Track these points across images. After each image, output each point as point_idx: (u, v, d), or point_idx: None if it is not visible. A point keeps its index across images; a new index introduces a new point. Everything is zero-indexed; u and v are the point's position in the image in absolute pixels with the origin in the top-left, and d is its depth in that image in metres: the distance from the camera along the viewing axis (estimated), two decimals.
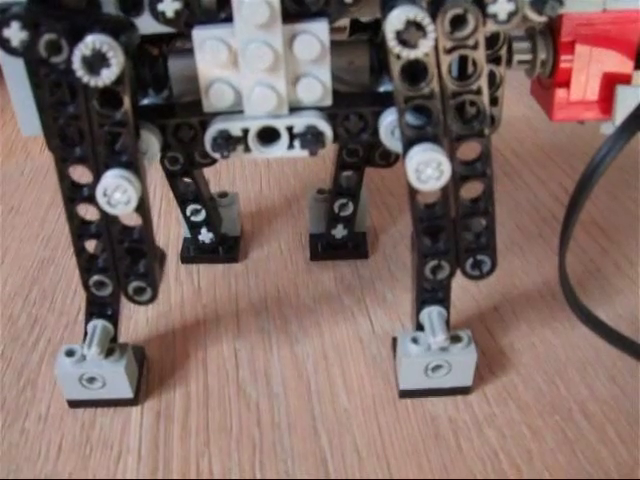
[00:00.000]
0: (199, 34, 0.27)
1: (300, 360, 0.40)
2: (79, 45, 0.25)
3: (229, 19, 0.27)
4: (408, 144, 0.29)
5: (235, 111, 0.29)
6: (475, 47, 0.26)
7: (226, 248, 0.47)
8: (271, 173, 0.57)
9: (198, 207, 0.45)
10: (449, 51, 0.26)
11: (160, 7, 0.27)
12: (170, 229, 0.51)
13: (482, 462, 0.34)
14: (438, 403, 0.36)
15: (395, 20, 0.24)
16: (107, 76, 0.25)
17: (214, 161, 0.41)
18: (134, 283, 0.33)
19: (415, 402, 0.37)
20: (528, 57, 0.31)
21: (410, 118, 0.28)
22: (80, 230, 0.32)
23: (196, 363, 0.40)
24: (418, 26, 0.24)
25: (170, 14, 0.27)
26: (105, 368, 0.36)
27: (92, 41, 0.25)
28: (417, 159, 0.28)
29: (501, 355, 0.39)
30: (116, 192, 0.28)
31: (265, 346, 0.41)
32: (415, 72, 0.27)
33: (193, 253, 0.47)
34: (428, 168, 0.29)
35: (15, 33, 0.26)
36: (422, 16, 0.24)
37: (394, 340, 0.39)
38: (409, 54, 0.25)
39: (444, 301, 0.37)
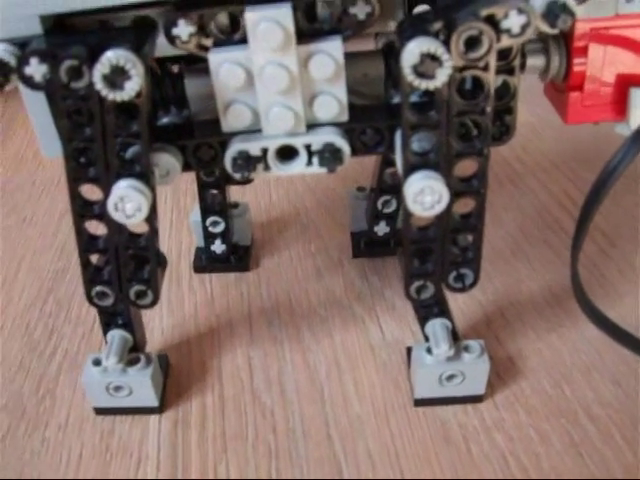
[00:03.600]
0: (215, 57, 0.29)
1: (313, 367, 0.41)
2: (97, 64, 0.26)
3: (244, 40, 0.28)
4: (410, 170, 0.30)
5: (253, 130, 0.30)
6: (485, 69, 0.27)
7: (238, 257, 0.49)
8: (280, 183, 0.59)
9: (219, 219, 0.46)
10: (460, 70, 0.27)
11: (175, 31, 0.28)
12: (182, 239, 0.53)
13: (491, 465, 0.35)
14: (448, 409, 0.38)
15: (410, 54, 0.25)
16: (131, 88, 0.26)
17: (250, 180, 0.42)
18: (136, 287, 0.34)
19: (426, 408, 0.38)
20: (541, 62, 0.32)
21: (414, 144, 0.29)
22: (87, 245, 0.33)
23: (211, 372, 0.41)
24: (433, 57, 0.25)
25: (185, 38, 0.28)
26: (131, 377, 0.38)
27: (109, 58, 0.26)
28: (417, 186, 0.29)
29: (508, 361, 0.40)
30: (128, 202, 0.29)
31: (278, 354, 0.42)
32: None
33: (205, 262, 0.49)
34: (427, 195, 0.30)
35: (36, 68, 0.27)
36: (437, 47, 0.25)
37: (409, 350, 0.41)
38: (428, 85, 0.26)
39: (444, 313, 0.38)
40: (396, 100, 0.32)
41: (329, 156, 0.30)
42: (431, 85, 0.26)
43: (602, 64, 0.31)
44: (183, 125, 0.32)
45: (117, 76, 0.26)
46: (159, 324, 0.45)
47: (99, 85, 0.26)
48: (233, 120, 0.30)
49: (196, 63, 0.32)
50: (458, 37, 0.26)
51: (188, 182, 0.58)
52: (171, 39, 0.28)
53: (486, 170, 0.30)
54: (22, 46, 0.28)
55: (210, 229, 0.47)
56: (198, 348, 0.43)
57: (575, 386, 0.38)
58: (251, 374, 0.41)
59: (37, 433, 0.39)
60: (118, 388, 0.38)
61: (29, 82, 0.27)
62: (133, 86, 0.26)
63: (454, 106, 0.28)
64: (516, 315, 0.43)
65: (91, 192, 0.32)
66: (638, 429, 0.36)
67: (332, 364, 0.41)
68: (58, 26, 0.28)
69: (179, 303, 0.47)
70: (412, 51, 0.25)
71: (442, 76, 0.26)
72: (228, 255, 0.49)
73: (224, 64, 0.28)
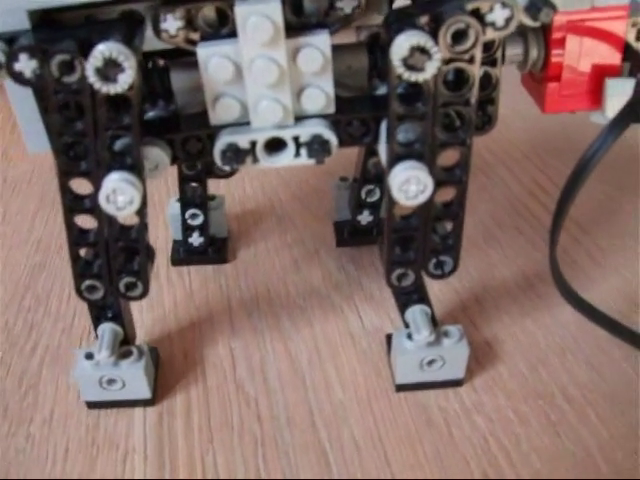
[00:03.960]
0: (204, 51, 0.28)
1: (294, 356, 0.41)
2: (90, 57, 0.26)
3: (231, 34, 0.28)
4: (395, 160, 0.30)
5: (241, 123, 0.30)
6: (471, 61, 0.27)
7: (215, 249, 0.49)
8: (254, 176, 0.58)
9: (198, 212, 0.46)
10: (446, 63, 0.28)
11: (163, 25, 0.28)
12: (158, 233, 0.52)
13: (473, 447, 0.36)
14: (429, 393, 0.39)
15: (399, 48, 0.26)
16: (124, 81, 0.26)
17: (232, 173, 0.42)
18: (125, 279, 0.34)
19: (407, 393, 0.39)
20: (520, 54, 0.32)
21: (399, 135, 0.30)
22: (77, 238, 0.33)
23: (194, 363, 0.41)
24: (422, 50, 0.26)
25: (173, 32, 0.28)
26: (124, 370, 0.37)
27: (102, 51, 0.26)
28: (403, 176, 0.30)
29: (485, 345, 0.41)
30: (120, 194, 0.29)
31: (259, 344, 0.42)
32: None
33: (183, 255, 0.49)
34: (412, 185, 0.30)
35: (26, 64, 0.27)
36: (426, 40, 0.25)
37: (388, 337, 0.41)
38: (417, 77, 0.26)
39: (423, 300, 0.39)
40: (380, 91, 0.32)
41: (318, 147, 0.30)
42: (420, 77, 0.27)
43: (579, 55, 0.31)
44: (170, 118, 0.32)
45: (110, 69, 0.26)
46: (139, 317, 0.44)
47: (92, 78, 0.26)
48: (222, 113, 0.30)
49: (180, 57, 0.32)
50: (446, 30, 0.26)
51: (167, 176, 0.58)
52: (159, 33, 0.28)
53: (469, 159, 0.31)
54: (9, 42, 0.27)
55: (189, 222, 0.46)
56: (180, 340, 0.43)
57: (550, 368, 0.39)
58: (234, 364, 0.41)
59: (21, 430, 0.38)
60: (111, 381, 0.37)
61: (19, 78, 0.27)
62: (126, 79, 0.26)
63: (440, 97, 0.28)
64: (490, 301, 0.44)
65: (80, 186, 0.31)
66: (612, 408, 0.37)
67: (313, 352, 0.42)
68: (45, 21, 0.28)
69: (158, 296, 0.46)
70: (402, 44, 0.26)
71: (431, 68, 0.26)
72: (206, 248, 0.48)
73: (213, 58, 0.28)
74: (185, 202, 0.46)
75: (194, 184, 0.45)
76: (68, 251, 0.34)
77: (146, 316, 0.45)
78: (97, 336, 0.38)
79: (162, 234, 0.52)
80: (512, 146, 0.60)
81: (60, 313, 0.46)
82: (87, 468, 0.36)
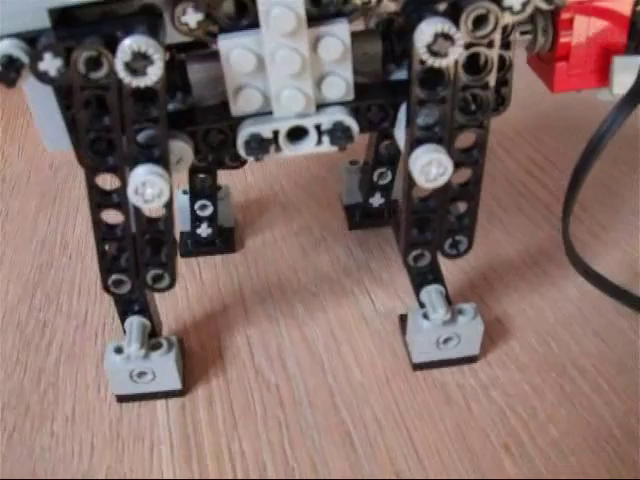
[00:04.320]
0: (225, 43, 0.28)
1: (310, 341, 0.42)
2: (118, 52, 0.25)
3: (252, 25, 0.28)
4: (415, 144, 0.30)
5: (263, 113, 0.30)
6: (490, 45, 0.28)
7: (223, 239, 0.48)
8: (255, 166, 0.58)
9: (207, 203, 0.46)
10: (466, 47, 0.28)
11: (183, 19, 0.27)
12: None
13: (492, 420, 0.36)
14: (445, 371, 0.39)
15: (424, 34, 0.26)
16: (154, 73, 0.26)
17: (242, 164, 0.42)
18: (152, 271, 0.34)
19: (424, 372, 0.39)
20: (529, 35, 0.32)
21: (419, 119, 0.30)
22: (105, 234, 0.33)
23: (212, 353, 0.41)
24: (446, 36, 0.26)
25: (193, 25, 0.28)
26: (155, 362, 0.37)
27: (130, 45, 0.25)
28: (424, 159, 0.30)
29: (496, 322, 0.41)
30: (149, 187, 0.29)
31: (275, 331, 0.42)
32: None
33: (191, 247, 0.48)
34: (433, 168, 0.30)
35: (50, 63, 0.26)
36: (449, 27, 0.26)
37: (402, 317, 0.42)
38: (440, 63, 0.27)
39: (438, 280, 0.39)
40: (394, 77, 0.32)
41: (340, 134, 0.30)
42: (444, 63, 0.27)
43: (586, 35, 0.32)
44: (189, 111, 0.31)
45: (139, 62, 0.25)
46: None
47: (122, 73, 0.25)
48: (243, 104, 0.30)
49: (193, 50, 0.31)
50: (467, 16, 0.26)
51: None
52: (179, 26, 0.27)
53: (486, 141, 0.31)
54: (30, 41, 0.27)
55: (198, 213, 0.46)
56: (195, 331, 0.43)
57: (560, 341, 0.40)
58: (251, 352, 0.41)
59: (45, 428, 0.38)
60: (141, 374, 0.37)
61: (43, 77, 0.26)
62: (156, 71, 0.26)
63: (459, 81, 0.29)
64: (498, 279, 0.44)
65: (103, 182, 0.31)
66: (622, 375, 0.38)
67: (329, 337, 0.42)
68: (62, 19, 0.27)
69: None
70: (426, 31, 0.26)
71: (454, 54, 0.26)
72: (214, 238, 0.48)
73: (234, 49, 0.28)
74: (195, 193, 0.46)
75: (203, 175, 0.44)
76: (95, 247, 0.33)
77: (160, 309, 0.44)
78: (124, 330, 0.38)
79: None
80: (506, 125, 0.60)
81: (72, 310, 0.45)
82: (115, 462, 0.36)
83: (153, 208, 0.30)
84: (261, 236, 0.50)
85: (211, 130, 0.31)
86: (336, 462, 0.35)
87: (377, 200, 0.47)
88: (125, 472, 0.36)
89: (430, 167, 0.30)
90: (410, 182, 0.31)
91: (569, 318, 0.41)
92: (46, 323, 0.44)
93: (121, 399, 0.39)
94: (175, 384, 0.38)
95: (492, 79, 0.29)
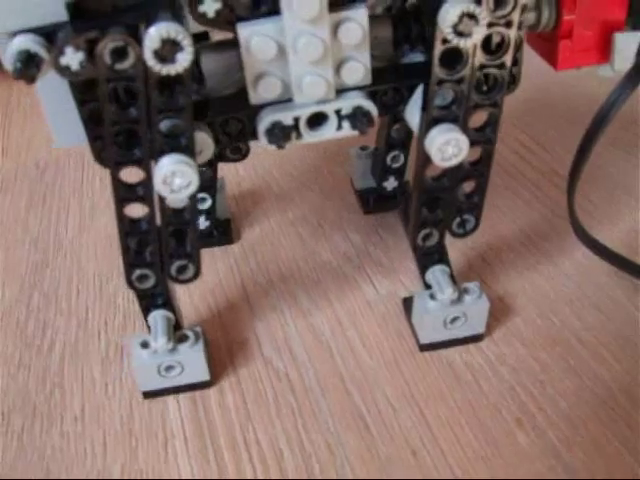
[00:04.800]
0: (245, 31, 0.28)
1: (317, 329, 0.41)
2: (146, 40, 0.24)
3: (270, 13, 0.27)
4: (432, 123, 0.30)
5: (282, 100, 0.30)
6: (508, 25, 0.27)
7: (221, 231, 0.47)
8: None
9: (206, 196, 0.45)
10: (486, 27, 0.27)
11: (201, 9, 0.27)
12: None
13: (502, 396, 0.36)
14: (452, 350, 0.39)
15: (450, 15, 0.26)
16: (184, 59, 0.25)
17: (244, 156, 0.41)
18: (177, 263, 0.33)
19: (432, 352, 0.39)
20: (533, 15, 0.32)
21: (437, 99, 0.30)
22: (129, 229, 0.32)
23: (218, 346, 0.41)
24: (471, 16, 0.26)
25: (211, 14, 0.27)
26: (183, 354, 0.36)
27: (159, 32, 0.24)
28: (441, 139, 0.30)
29: (498, 300, 0.41)
30: (178, 177, 0.28)
31: (280, 321, 0.42)
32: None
33: None
34: (449, 147, 0.30)
35: (72, 57, 0.25)
36: (474, 7, 0.26)
37: (405, 300, 0.41)
38: (466, 42, 0.26)
39: (443, 260, 0.39)
40: (405, 60, 0.32)
41: (360, 119, 0.29)
42: (468, 42, 0.27)
43: (588, 13, 0.32)
44: (205, 102, 0.30)
45: (168, 50, 0.24)
46: None
47: (151, 61, 0.25)
48: (263, 92, 0.29)
49: (200, 40, 0.31)
50: None
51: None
52: (197, 16, 0.27)
53: (499, 119, 0.31)
54: (47, 35, 0.26)
55: (197, 206, 0.45)
56: (199, 324, 0.42)
57: (562, 316, 0.40)
58: (258, 342, 0.40)
59: (54, 428, 0.37)
60: (169, 368, 0.36)
61: (65, 72, 0.25)
62: (186, 57, 0.25)
63: (478, 61, 0.28)
64: (496, 258, 0.44)
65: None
66: (622, 345, 0.38)
67: (334, 323, 0.41)
68: (77, 12, 0.26)
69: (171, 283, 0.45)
70: (452, 11, 0.26)
71: (477, 34, 0.26)
72: (211, 230, 0.47)
73: (254, 37, 0.27)
74: None
75: (203, 168, 0.43)
76: (119, 242, 0.32)
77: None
78: (148, 325, 0.37)
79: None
80: None
81: (72, 309, 0.44)
82: (129, 459, 0.35)
83: (180, 198, 0.30)
84: (258, 227, 0.49)
85: (230, 120, 0.30)
86: (352, 445, 0.35)
87: (391, 183, 0.47)
88: (141, 468, 0.35)
89: (447, 146, 0.30)
90: (424, 162, 0.31)
91: (568, 293, 0.42)
92: (46, 323, 0.43)
93: (147, 395, 0.38)
94: (203, 375, 0.37)
95: (509, 59, 0.29)
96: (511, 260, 0.44)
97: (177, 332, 0.37)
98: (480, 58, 0.29)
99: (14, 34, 0.26)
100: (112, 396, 0.38)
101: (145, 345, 0.36)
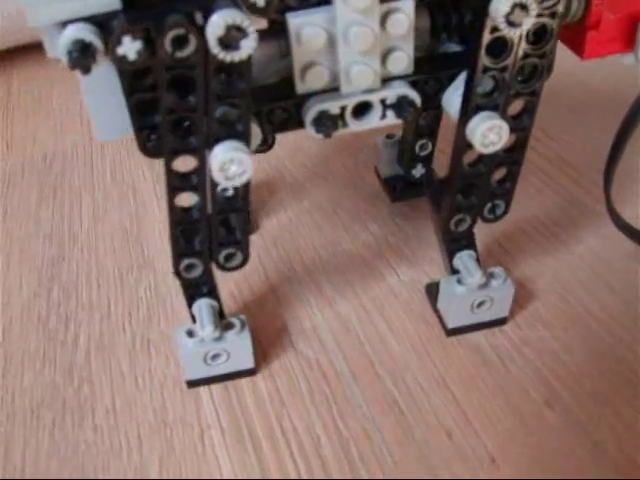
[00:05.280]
0: (295, 21, 0.27)
1: (343, 317, 0.41)
2: (210, 27, 0.24)
3: (320, 3, 0.27)
4: (474, 111, 0.30)
5: (328, 90, 0.29)
6: (552, 16, 0.28)
7: None
8: None
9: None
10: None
11: None
12: None
13: (529, 377, 0.37)
14: (478, 334, 0.39)
15: (503, 5, 0.26)
16: (248, 46, 0.24)
17: (269, 147, 0.40)
18: (225, 251, 0.33)
19: (458, 336, 0.39)
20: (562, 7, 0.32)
21: (479, 87, 0.30)
22: (180, 218, 0.31)
23: None
24: (522, 6, 0.26)
25: (261, 4, 0.26)
26: (229, 342, 0.36)
27: (223, 19, 0.24)
28: (484, 126, 0.30)
29: (518, 285, 0.41)
30: (235, 164, 0.27)
31: (307, 309, 0.41)
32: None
33: None
34: (491, 134, 0.31)
35: (129, 47, 0.24)
36: None
37: (428, 286, 0.41)
38: (515, 32, 0.26)
39: (470, 245, 0.39)
40: (442, 50, 0.32)
41: (405, 108, 0.29)
42: (518, 32, 0.27)
43: (616, 3, 0.32)
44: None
45: (232, 36, 0.24)
46: (178, 298, 0.42)
47: (215, 49, 0.24)
48: (311, 81, 0.29)
49: None
50: None
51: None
52: (247, 6, 0.26)
53: (536, 107, 0.31)
54: (99, 25, 0.25)
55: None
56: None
57: (579, 298, 0.41)
58: (288, 332, 0.40)
59: (86, 422, 0.36)
60: (216, 356, 0.36)
61: (122, 61, 0.24)
62: (250, 44, 0.24)
63: (522, 50, 0.28)
64: (512, 244, 0.45)
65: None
66: (638, 325, 0.39)
67: (360, 310, 0.41)
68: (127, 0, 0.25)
69: None
70: (505, 2, 0.26)
71: (527, 24, 0.26)
72: None
73: (305, 27, 0.27)
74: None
75: None
76: (169, 232, 0.31)
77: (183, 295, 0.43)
78: (191, 314, 0.36)
79: None
80: None
81: (93, 302, 0.43)
82: (166, 451, 0.35)
83: (237, 185, 0.29)
84: (275, 217, 0.49)
85: (275, 109, 0.29)
86: (388, 429, 0.35)
87: (418, 171, 0.46)
88: (179, 460, 0.34)
89: (489, 133, 0.30)
90: (463, 148, 0.31)
91: (584, 277, 0.42)
92: (68, 317, 0.42)
93: (192, 384, 0.37)
94: (248, 363, 0.37)
95: (550, 49, 0.29)
96: (527, 246, 0.44)
97: (222, 320, 0.36)
98: (524, 47, 0.29)
99: (64, 24, 0.25)
100: (143, 388, 0.37)
101: (191, 334, 0.35)
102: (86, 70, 0.24)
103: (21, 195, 0.52)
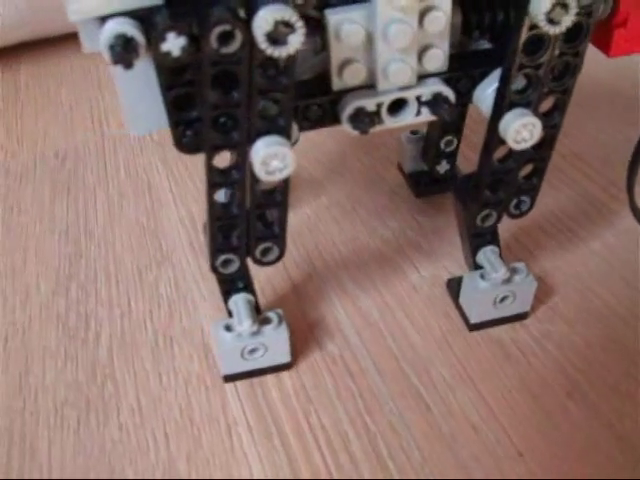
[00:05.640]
0: (335, 18, 0.27)
1: (365, 312, 0.40)
2: (257, 22, 0.23)
3: (358, 0, 0.27)
4: (508, 107, 0.30)
5: (363, 87, 0.29)
6: (589, 15, 0.27)
7: None
8: None
9: None
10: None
11: None
12: (189, 207, 0.48)
13: (551, 371, 0.37)
14: (500, 329, 0.39)
15: (544, 3, 0.26)
16: (296, 41, 0.24)
17: (293, 144, 0.40)
18: (262, 245, 0.33)
19: (481, 331, 0.39)
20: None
21: (514, 84, 0.30)
22: (220, 214, 0.31)
23: None
24: (563, 5, 0.25)
25: (300, 0, 0.26)
26: (267, 336, 0.35)
27: (272, 14, 0.23)
28: (519, 122, 0.30)
29: (538, 280, 0.41)
30: (276, 159, 0.27)
31: (330, 306, 0.41)
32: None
33: None
34: (525, 130, 0.30)
35: (173, 43, 0.24)
36: None
37: (449, 281, 0.41)
38: (554, 30, 0.26)
39: (494, 241, 0.39)
40: (473, 47, 0.31)
41: (441, 105, 0.29)
42: (557, 30, 0.26)
43: None
44: None
45: (280, 32, 0.23)
46: (199, 295, 0.42)
47: (263, 44, 0.23)
48: (348, 78, 0.28)
49: None
50: None
51: (176, 153, 0.54)
52: (289, 2, 0.25)
53: (567, 105, 0.31)
54: (140, 20, 0.24)
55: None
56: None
57: (597, 293, 0.41)
58: (310, 327, 0.40)
59: (111, 421, 0.35)
60: (253, 350, 0.35)
61: (165, 58, 0.24)
62: (298, 39, 0.24)
63: (557, 48, 0.28)
64: (529, 240, 0.44)
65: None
66: None
67: (382, 305, 0.41)
68: None
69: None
70: (546, 0, 0.25)
71: (566, 22, 0.26)
72: None
73: (345, 24, 0.27)
74: None
75: None
76: (208, 228, 0.31)
77: (205, 291, 0.42)
78: (228, 310, 0.35)
79: (194, 208, 0.48)
80: None
81: (113, 300, 0.42)
82: (193, 448, 0.34)
83: (279, 179, 0.29)
84: (292, 213, 0.47)
85: (311, 105, 0.29)
86: (415, 424, 0.35)
87: (443, 167, 0.46)
88: (207, 457, 0.34)
89: (523, 130, 0.30)
90: (495, 144, 0.31)
91: (599, 271, 0.42)
92: (88, 315, 0.41)
93: (228, 379, 0.36)
94: (285, 357, 0.36)
95: (585, 47, 0.29)
96: (543, 241, 0.44)
97: (259, 315, 0.36)
98: (560, 46, 0.29)
99: (104, 18, 0.25)
100: (168, 386, 0.37)
101: (229, 328, 0.35)
102: (128, 65, 0.24)
103: (34, 192, 0.51)
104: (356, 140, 0.53)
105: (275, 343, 0.36)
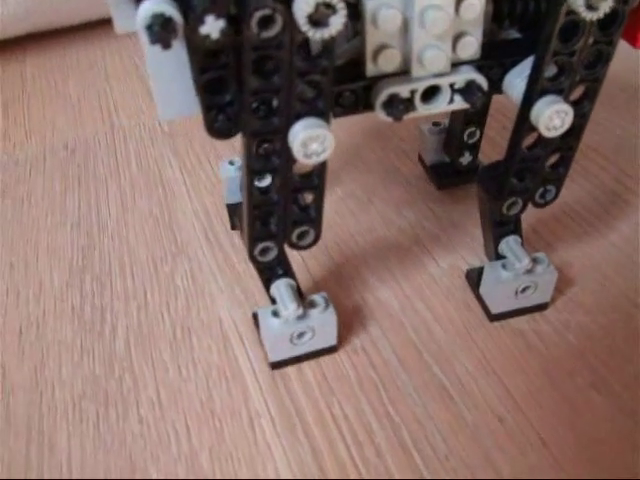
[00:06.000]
0: (372, 3, 0.26)
1: (386, 303, 0.40)
2: (298, 4, 0.22)
3: None
4: (540, 95, 0.30)
5: (397, 73, 0.28)
6: (626, 2, 0.27)
7: None
8: None
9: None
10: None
11: None
12: (203, 199, 0.48)
13: (573, 361, 0.36)
14: (521, 319, 0.38)
15: None
16: (338, 22, 0.23)
17: None
18: (298, 229, 0.32)
19: (501, 322, 0.38)
20: None
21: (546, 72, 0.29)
22: (259, 201, 0.30)
23: None
24: None
25: None
26: (316, 319, 0.35)
27: None
28: (551, 109, 0.29)
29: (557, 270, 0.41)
30: (314, 142, 0.26)
31: (349, 298, 0.40)
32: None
33: None
34: (556, 118, 0.30)
35: (212, 26, 0.23)
36: None
37: (469, 272, 0.40)
38: (592, 16, 0.26)
39: (517, 230, 0.38)
40: (503, 36, 0.31)
41: (474, 92, 0.28)
42: (595, 16, 0.26)
43: None
44: None
45: (321, 14, 0.22)
46: (216, 287, 0.41)
47: (305, 27, 0.22)
48: (383, 64, 0.27)
49: None
50: None
51: (187, 144, 0.53)
52: None
53: (597, 94, 0.30)
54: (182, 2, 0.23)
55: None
56: (265, 304, 0.40)
57: (616, 284, 0.40)
58: None
59: (131, 414, 0.35)
60: (301, 334, 0.35)
61: (203, 41, 0.23)
62: (340, 20, 0.23)
63: (592, 36, 0.28)
64: (547, 231, 0.44)
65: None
66: None
67: (402, 297, 0.40)
68: None
69: (229, 263, 0.42)
70: None
71: (605, 8, 0.25)
72: None
73: (382, 9, 0.26)
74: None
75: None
76: (245, 216, 0.30)
77: (222, 284, 0.41)
78: (270, 297, 0.35)
79: (208, 200, 0.47)
80: None
81: (129, 292, 0.41)
82: (216, 440, 0.33)
83: (319, 162, 0.28)
84: None
85: (344, 91, 0.28)
86: (439, 415, 0.34)
87: (466, 159, 0.46)
88: (230, 450, 0.33)
89: (555, 117, 0.29)
90: (524, 132, 0.30)
91: (617, 262, 0.42)
92: (104, 307, 0.40)
93: (275, 366, 0.36)
94: (331, 340, 0.36)
95: (619, 35, 0.28)
96: (561, 232, 0.44)
97: (304, 299, 0.35)
98: (595, 33, 0.28)
99: None
100: (187, 378, 0.36)
101: (276, 314, 0.34)
102: (166, 45, 0.23)
103: (44, 184, 0.50)
104: (368, 131, 0.52)
105: (323, 326, 0.35)
